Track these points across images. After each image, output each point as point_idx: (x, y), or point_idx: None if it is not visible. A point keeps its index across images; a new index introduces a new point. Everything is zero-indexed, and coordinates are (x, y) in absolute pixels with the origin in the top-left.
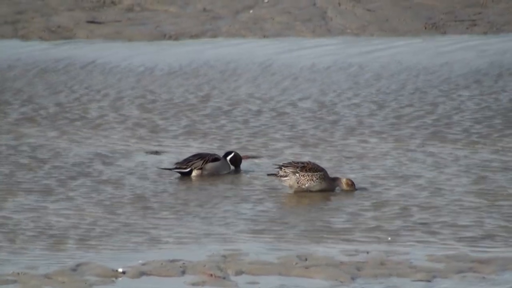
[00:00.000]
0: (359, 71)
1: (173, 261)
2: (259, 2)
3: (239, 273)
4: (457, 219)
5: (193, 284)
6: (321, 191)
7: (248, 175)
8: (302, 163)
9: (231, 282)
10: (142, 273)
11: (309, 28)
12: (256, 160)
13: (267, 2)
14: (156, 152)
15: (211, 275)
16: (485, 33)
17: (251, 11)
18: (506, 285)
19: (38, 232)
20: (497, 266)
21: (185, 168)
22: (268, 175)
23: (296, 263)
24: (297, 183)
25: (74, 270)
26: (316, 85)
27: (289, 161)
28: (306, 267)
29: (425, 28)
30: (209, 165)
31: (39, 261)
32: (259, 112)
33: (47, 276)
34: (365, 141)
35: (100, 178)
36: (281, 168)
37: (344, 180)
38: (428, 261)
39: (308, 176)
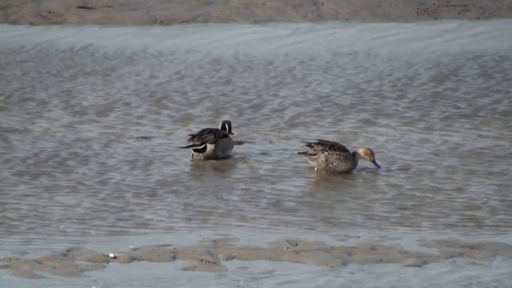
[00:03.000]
0: None
1: (164, 246)
2: None
3: (229, 258)
4: (449, 205)
5: (184, 269)
6: (344, 172)
7: (240, 160)
8: (331, 142)
9: (221, 267)
10: (133, 258)
11: (301, 13)
12: (248, 145)
13: None
14: (146, 138)
15: (202, 260)
16: (477, 18)
17: None
18: (497, 270)
19: (30, 217)
20: (488, 252)
21: (199, 145)
22: (299, 153)
23: (287, 248)
24: (326, 161)
25: (65, 255)
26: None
27: (318, 139)
28: (297, 252)
29: (417, 13)
30: (222, 141)
31: (31, 246)
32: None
33: (38, 261)
34: (375, 123)
35: (91, 163)
36: (311, 146)
37: (361, 150)
38: (419, 246)
39: (337, 155)
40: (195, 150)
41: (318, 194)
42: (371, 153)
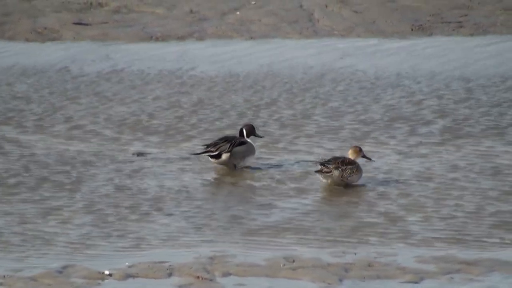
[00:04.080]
0: None
1: (159, 263)
2: (245, 4)
3: (226, 275)
4: (445, 221)
5: (180, 286)
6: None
7: (239, 175)
8: (340, 158)
9: (218, 284)
10: (129, 275)
11: (296, 29)
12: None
13: (254, 3)
14: (142, 154)
15: (198, 277)
16: (471, 34)
17: (237, 13)
18: (494, 286)
19: (24, 234)
20: (484, 268)
21: (213, 152)
22: (315, 171)
23: (283, 265)
24: (341, 177)
25: (60, 272)
26: None
27: (329, 157)
28: (293, 269)
29: (412, 29)
30: (237, 149)
31: (25, 263)
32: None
33: (33, 279)
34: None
35: (85, 179)
36: (323, 165)
37: (350, 152)
38: (416, 262)
39: (349, 169)
40: (210, 156)
41: (314, 211)
42: (359, 150)
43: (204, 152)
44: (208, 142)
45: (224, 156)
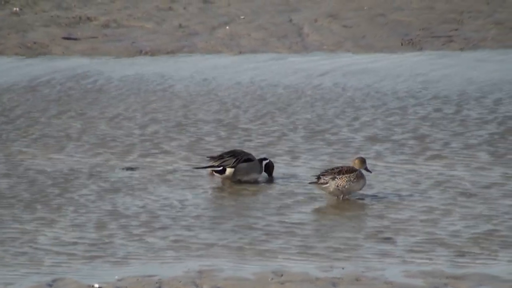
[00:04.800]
0: None
1: (148, 276)
2: (235, 18)
3: None
4: (433, 235)
5: None
6: (360, 190)
7: (228, 188)
8: (338, 167)
9: None
10: None
11: (285, 44)
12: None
13: (243, 18)
14: (131, 168)
15: None
16: (461, 49)
17: (227, 27)
18: None
19: (14, 247)
20: (472, 282)
21: (218, 166)
22: (310, 183)
23: (272, 279)
24: (337, 186)
25: (50, 285)
26: None
27: (326, 169)
28: (282, 283)
29: (402, 44)
30: (242, 165)
31: (15, 277)
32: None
33: None
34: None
35: (75, 193)
36: (319, 178)
37: (356, 162)
38: (403, 277)
39: (346, 177)
40: (215, 171)
41: (302, 225)
42: (364, 161)
43: (208, 167)
44: (213, 154)
45: (228, 170)
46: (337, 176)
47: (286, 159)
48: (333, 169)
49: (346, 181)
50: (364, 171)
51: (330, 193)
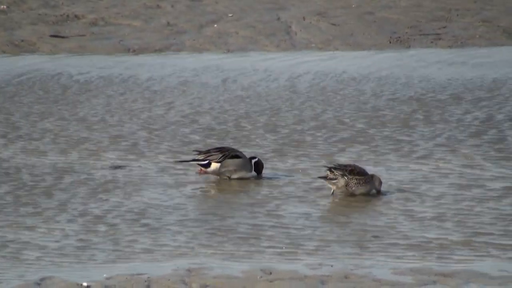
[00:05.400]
0: None
1: (137, 275)
2: (223, 16)
3: (203, 287)
4: (423, 233)
5: None
6: (362, 194)
7: (217, 186)
8: (349, 166)
9: None
10: (107, 287)
11: (274, 42)
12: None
13: (232, 16)
14: (119, 167)
15: None
16: (449, 47)
17: (215, 25)
18: None
19: (1, 246)
20: (461, 279)
21: (203, 160)
22: (319, 177)
23: (261, 277)
24: (346, 185)
25: (38, 284)
26: None
27: (337, 164)
28: (271, 281)
29: (390, 42)
30: (228, 161)
31: (3, 276)
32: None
33: None
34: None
35: (64, 192)
36: (330, 171)
37: (378, 178)
38: (392, 274)
39: (356, 180)
40: (200, 165)
41: (291, 223)
42: (380, 183)
43: (193, 160)
44: (201, 149)
45: (213, 165)
46: (348, 176)
47: (273, 155)
48: (345, 166)
49: (355, 183)
50: (375, 188)
51: (337, 188)
